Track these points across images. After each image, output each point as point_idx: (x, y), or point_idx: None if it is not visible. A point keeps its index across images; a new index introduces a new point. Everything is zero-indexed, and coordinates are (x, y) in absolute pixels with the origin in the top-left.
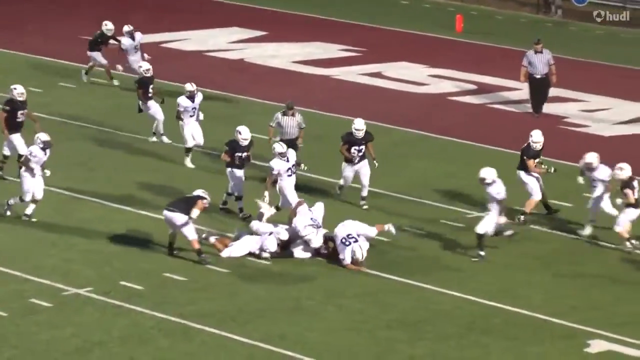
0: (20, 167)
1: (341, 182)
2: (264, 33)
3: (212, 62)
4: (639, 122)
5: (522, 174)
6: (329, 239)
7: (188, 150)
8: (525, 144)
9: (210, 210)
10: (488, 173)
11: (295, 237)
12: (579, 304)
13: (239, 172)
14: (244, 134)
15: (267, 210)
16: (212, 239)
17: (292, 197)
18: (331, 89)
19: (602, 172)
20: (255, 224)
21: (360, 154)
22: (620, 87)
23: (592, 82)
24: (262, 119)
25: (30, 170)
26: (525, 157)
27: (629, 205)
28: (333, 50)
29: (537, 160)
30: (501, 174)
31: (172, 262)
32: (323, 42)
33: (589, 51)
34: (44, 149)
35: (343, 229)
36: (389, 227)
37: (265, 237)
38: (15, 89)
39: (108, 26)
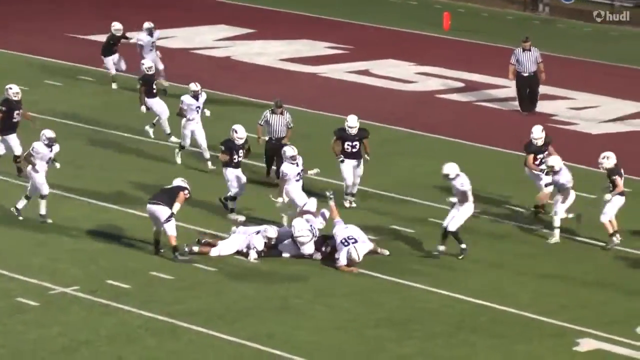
0: (18, 167)
1: (346, 182)
2: (250, 30)
3: (199, 60)
4: (626, 120)
5: (528, 170)
6: (327, 237)
7: (182, 148)
8: (527, 141)
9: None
10: (451, 169)
11: (284, 238)
12: (568, 302)
13: (237, 172)
14: (240, 133)
15: (286, 209)
16: (195, 249)
17: (300, 199)
18: (318, 87)
19: (565, 177)
20: (241, 229)
21: (355, 150)
22: (608, 84)
23: (580, 79)
24: (251, 117)
25: (34, 167)
26: (526, 153)
27: (616, 193)
28: (320, 47)
29: (540, 156)
30: (488, 171)
31: (159, 260)
32: (310, 39)
33: (577, 49)
34: (49, 145)
35: (345, 231)
36: (382, 251)
37: (252, 235)
38: (10, 88)
39: (116, 27)
